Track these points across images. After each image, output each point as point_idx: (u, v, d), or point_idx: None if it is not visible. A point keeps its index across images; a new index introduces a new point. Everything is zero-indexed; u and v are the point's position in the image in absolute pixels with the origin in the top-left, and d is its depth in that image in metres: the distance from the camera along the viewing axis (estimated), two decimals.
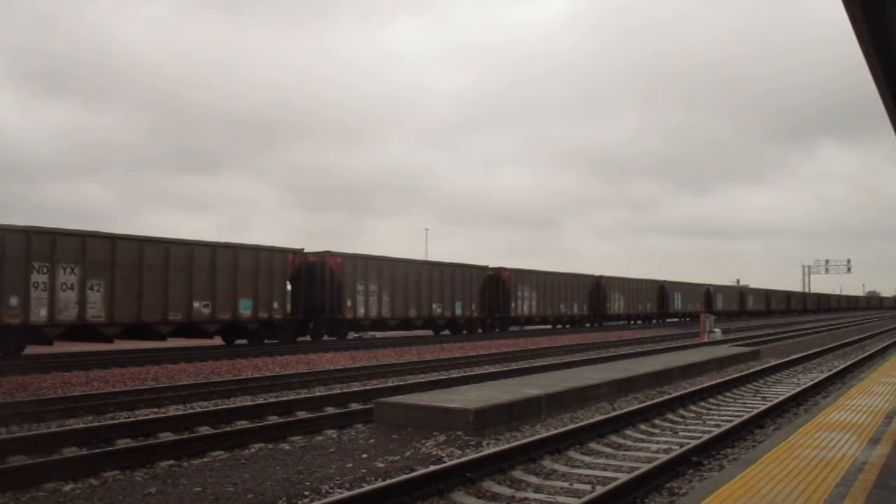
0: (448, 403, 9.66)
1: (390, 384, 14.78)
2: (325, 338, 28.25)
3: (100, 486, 6.94)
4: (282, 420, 10.56)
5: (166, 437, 9.33)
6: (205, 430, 9.84)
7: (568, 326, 43.86)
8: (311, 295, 27.38)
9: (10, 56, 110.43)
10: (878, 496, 5.09)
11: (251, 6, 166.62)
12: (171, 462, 8.00)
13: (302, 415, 11.09)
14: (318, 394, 13.16)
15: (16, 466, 7.42)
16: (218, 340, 24.89)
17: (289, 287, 26.49)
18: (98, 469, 7.45)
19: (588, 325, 45.57)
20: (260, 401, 12.39)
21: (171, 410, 11.56)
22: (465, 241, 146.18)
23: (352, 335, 29.33)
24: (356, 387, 14.52)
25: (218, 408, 11.43)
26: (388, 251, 41.86)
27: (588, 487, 6.89)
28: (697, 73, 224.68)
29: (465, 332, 35.06)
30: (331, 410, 11.54)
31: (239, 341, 25.04)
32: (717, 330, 33.11)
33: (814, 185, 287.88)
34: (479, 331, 36.15)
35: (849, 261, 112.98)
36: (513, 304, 38.21)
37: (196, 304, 22.38)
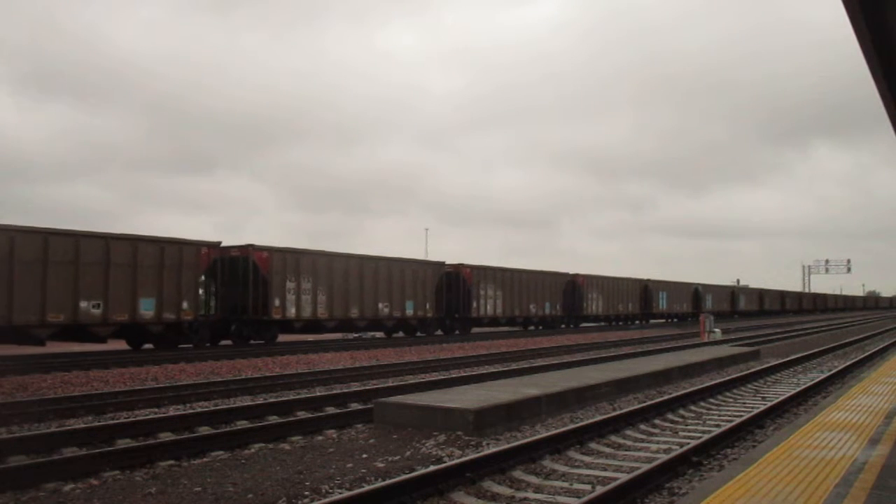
0: (448, 403, 9.66)
1: (390, 384, 14.78)
2: (268, 342, 25.76)
3: (100, 486, 6.94)
4: (282, 420, 10.56)
5: (166, 437, 9.33)
6: (205, 430, 9.84)
7: (540, 328, 41.26)
8: (232, 294, 24.61)
9: (9, 57, 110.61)
10: (878, 496, 5.09)
11: (245, 10, 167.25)
12: (171, 462, 7.99)
13: (302, 415, 11.09)
14: (318, 394, 13.16)
15: (16, 466, 7.43)
16: (116, 345, 22.53)
17: (211, 286, 24.23)
18: (98, 469, 7.46)
19: (563, 326, 43.30)
20: (260, 401, 12.40)
21: (171, 410, 11.56)
22: (463, 241, 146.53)
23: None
24: (356, 387, 14.52)
25: (218, 408, 11.43)
26: (386, 251, 40.62)
27: (588, 487, 6.89)
28: (691, 76, 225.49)
29: (419, 333, 32.16)
30: (331, 410, 11.54)
31: (147, 345, 22.75)
32: (716, 330, 33.12)
33: (811, 186, 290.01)
34: (439, 332, 33.62)
35: (849, 261, 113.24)
36: (474, 304, 35.16)
37: (84, 304, 19.72)
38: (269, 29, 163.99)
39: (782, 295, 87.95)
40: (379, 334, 31.61)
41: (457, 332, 34.69)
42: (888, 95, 6.58)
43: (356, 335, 31.18)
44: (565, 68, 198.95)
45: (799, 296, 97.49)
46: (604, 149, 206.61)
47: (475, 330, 36.73)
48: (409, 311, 31.37)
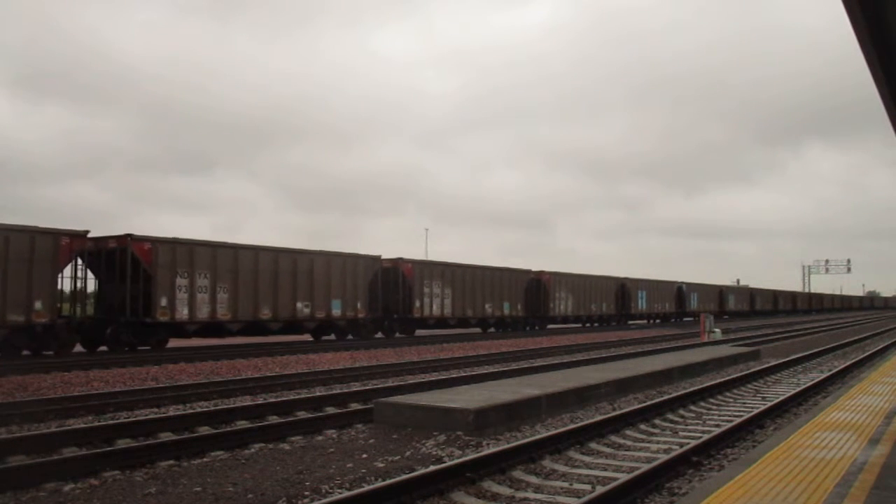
0: (448, 403, 9.66)
1: (390, 384, 14.78)
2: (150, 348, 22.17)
3: (100, 486, 6.94)
4: (282, 420, 10.57)
5: (166, 437, 9.32)
6: (205, 430, 9.84)
7: (499, 330, 38.38)
8: (109, 292, 21.96)
9: (6, 59, 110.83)
10: (878, 496, 5.09)
11: (240, 14, 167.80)
12: (171, 462, 7.99)
13: (302, 415, 11.09)
14: (318, 394, 13.16)
15: (16, 466, 7.43)
16: None
17: (94, 283, 22.00)
18: (98, 469, 7.45)
19: (527, 328, 40.03)
20: (260, 401, 12.40)
21: (171, 410, 11.57)
22: (461, 241, 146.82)
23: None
24: (356, 387, 14.52)
25: (218, 408, 11.43)
26: (384, 252, 39.13)
27: (588, 487, 6.89)
28: (685, 79, 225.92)
29: (350, 336, 28.75)
30: (331, 410, 11.54)
31: None
32: (716, 330, 33.13)
33: (808, 187, 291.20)
34: (379, 335, 30.51)
35: (849, 261, 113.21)
36: (417, 304, 31.77)
37: None
38: (264, 33, 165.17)
39: (775, 294, 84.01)
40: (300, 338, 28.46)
41: (397, 334, 31.37)
42: (888, 96, 6.58)
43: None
44: (558, 70, 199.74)
45: (793, 295, 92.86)
46: (599, 150, 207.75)
47: (419, 332, 32.99)
48: (336, 311, 27.74)
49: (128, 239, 21.54)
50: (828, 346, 26.52)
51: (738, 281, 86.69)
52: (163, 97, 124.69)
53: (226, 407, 11.44)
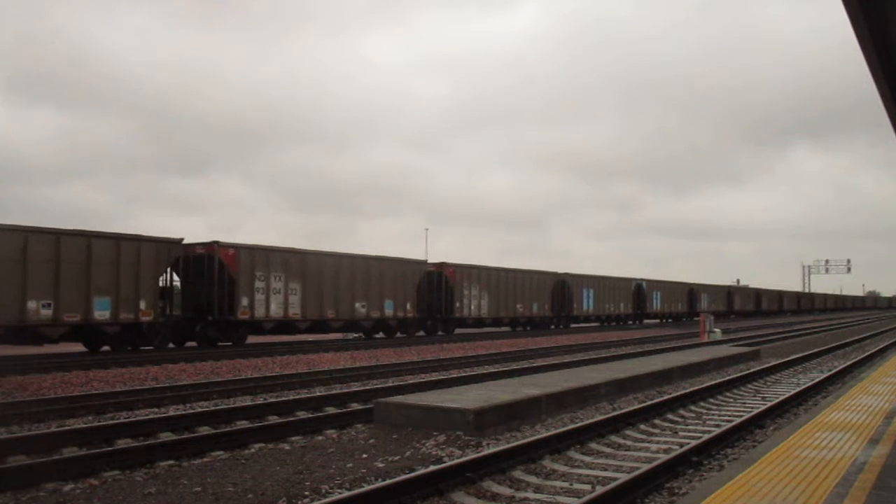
0: (448, 403, 9.66)
1: (390, 384, 14.78)
2: None
3: (100, 486, 6.94)
4: (282, 420, 10.57)
5: (166, 437, 9.33)
6: (205, 430, 9.84)
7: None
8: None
9: (5, 60, 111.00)
10: (877, 496, 5.09)
11: (232, 23, 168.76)
12: (171, 462, 8.00)
13: (302, 415, 11.09)
14: (318, 394, 13.16)
15: (16, 466, 7.43)
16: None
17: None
18: (98, 469, 7.46)
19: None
20: (260, 401, 12.40)
21: (171, 410, 11.57)
22: (456, 242, 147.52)
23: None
24: (356, 387, 14.52)
25: (218, 408, 11.43)
26: (382, 252, 38.36)
27: (588, 487, 6.89)
28: (673, 85, 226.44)
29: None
30: (331, 410, 11.54)
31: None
32: (716, 330, 33.15)
33: (799, 188, 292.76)
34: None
35: (848, 261, 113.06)
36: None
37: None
38: (255, 39, 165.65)
39: (757, 294, 79.92)
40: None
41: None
42: (888, 96, 6.58)
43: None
44: (542, 76, 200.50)
45: (778, 295, 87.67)
46: (591, 152, 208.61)
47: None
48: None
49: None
50: (828, 346, 26.52)
51: (738, 281, 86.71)
52: (157, 100, 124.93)
53: (226, 407, 11.45)
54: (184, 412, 11.05)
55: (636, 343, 30.11)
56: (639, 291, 51.28)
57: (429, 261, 34.12)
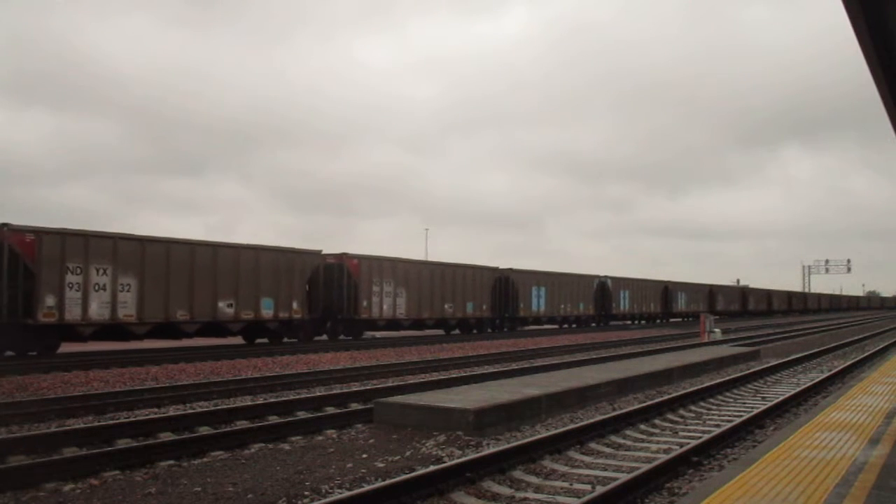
0: (448, 403, 9.66)
1: (390, 384, 14.78)
2: None
3: (100, 486, 6.94)
4: (282, 420, 10.56)
5: (166, 437, 9.32)
6: (205, 430, 9.83)
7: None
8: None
9: (1, 61, 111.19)
10: (878, 496, 5.09)
11: (225, 27, 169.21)
12: (171, 462, 7.99)
13: (302, 415, 11.09)
14: (318, 394, 13.16)
15: (16, 466, 7.42)
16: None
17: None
18: (98, 469, 7.45)
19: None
20: (260, 401, 12.39)
21: (171, 410, 11.56)
22: (454, 242, 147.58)
23: None
24: (356, 387, 14.52)
25: (218, 408, 11.43)
26: (380, 252, 37.39)
27: (588, 487, 6.89)
28: (663, 89, 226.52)
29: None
30: (331, 410, 11.54)
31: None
32: (716, 330, 33.15)
33: (803, 188, 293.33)
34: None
35: (849, 261, 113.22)
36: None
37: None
38: (250, 43, 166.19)
39: (743, 293, 75.27)
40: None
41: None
42: (888, 96, 6.58)
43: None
44: (532, 79, 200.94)
45: (767, 294, 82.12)
46: (585, 153, 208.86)
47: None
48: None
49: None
50: (828, 347, 26.52)
51: (738, 281, 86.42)
52: (154, 102, 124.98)
53: (226, 407, 11.44)
54: (184, 412, 11.04)
55: (636, 343, 30.11)
56: (602, 290, 46.16)
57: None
